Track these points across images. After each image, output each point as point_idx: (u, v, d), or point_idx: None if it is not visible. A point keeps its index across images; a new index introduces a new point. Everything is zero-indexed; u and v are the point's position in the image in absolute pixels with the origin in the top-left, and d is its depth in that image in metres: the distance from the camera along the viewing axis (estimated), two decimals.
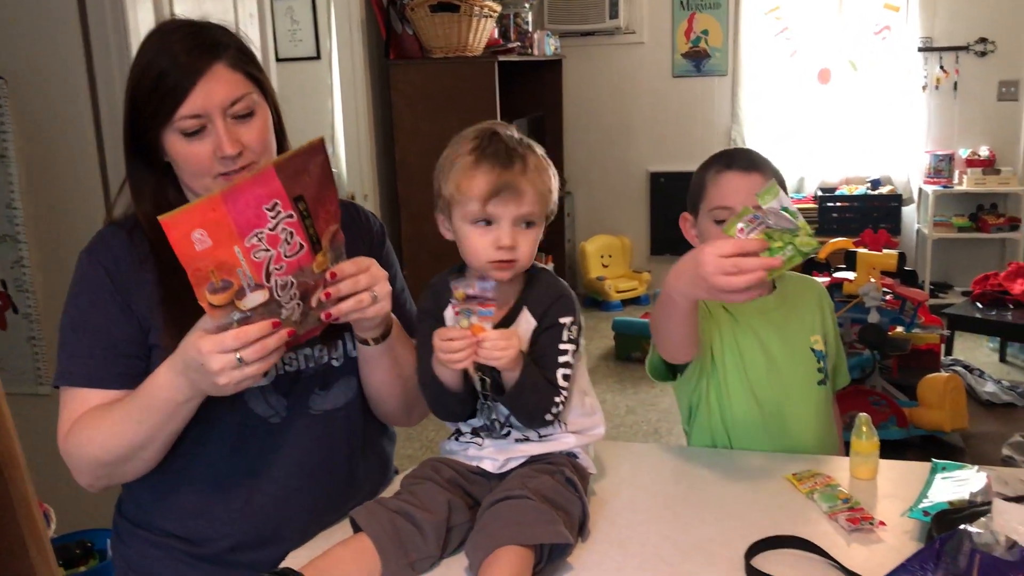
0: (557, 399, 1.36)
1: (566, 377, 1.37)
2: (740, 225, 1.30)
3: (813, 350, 1.74)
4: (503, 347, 1.27)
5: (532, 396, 1.33)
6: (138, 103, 1.32)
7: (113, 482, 1.39)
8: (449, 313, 1.35)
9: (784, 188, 1.67)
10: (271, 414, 1.41)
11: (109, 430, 1.30)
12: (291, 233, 1.17)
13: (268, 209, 1.14)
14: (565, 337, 1.37)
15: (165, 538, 1.42)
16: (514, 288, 1.39)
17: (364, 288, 1.26)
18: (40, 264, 2.79)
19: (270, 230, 1.14)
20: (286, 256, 1.17)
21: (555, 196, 1.38)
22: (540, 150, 1.38)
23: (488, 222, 1.33)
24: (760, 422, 1.70)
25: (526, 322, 1.37)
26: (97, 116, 2.76)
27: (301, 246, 1.18)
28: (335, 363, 1.46)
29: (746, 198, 1.59)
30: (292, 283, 1.18)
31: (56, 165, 2.74)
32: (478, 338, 1.26)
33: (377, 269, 1.30)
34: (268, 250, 1.15)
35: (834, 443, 1.78)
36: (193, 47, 1.29)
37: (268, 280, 1.15)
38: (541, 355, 1.36)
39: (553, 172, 1.38)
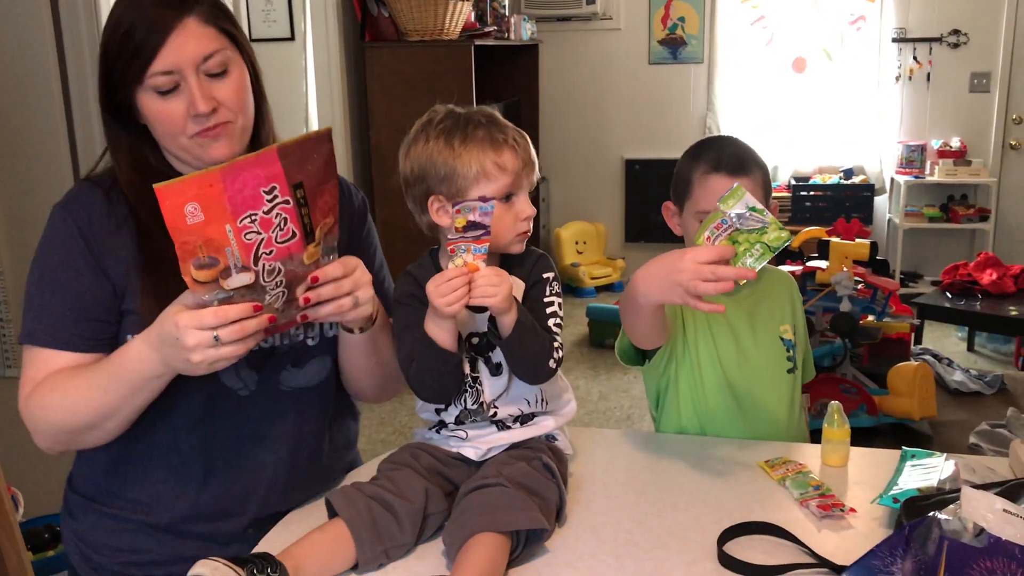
0: (556, 344, 1.38)
1: (558, 326, 1.41)
2: (707, 234, 1.35)
3: (783, 339, 1.76)
4: (496, 283, 1.27)
5: (533, 340, 1.34)
6: (110, 61, 1.28)
7: (72, 448, 1.36)
8: (443, 260, 1.37)
9: (768, 181, 1.69)
10: (240, 387, 1.39)
11: (75, 396, 1.28)
12: (285, 219, 1.16)
13: (265, 192, 1.13)
14: (548, 292, 1.42)
15: (119, 509, 1.40)
16: (493, 257, 1.40)
17: (347, 292, 1.25)
18: (6, 241, 2.75)
19: (264, 213, 1.13)
20: (277, 242, 1.15)
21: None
22: (501, 119, 1.43)
23: (508, 197, 1.37)
24: (729, 408, 1.71)
25: (515, 285, 1.39)
26: (65, 76, 2.71)
27: (294, 233, 1.17)
28: (310, 342, 1.44)
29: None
30: (279, 269, 1.17)
31: (24, 133, 2.68)
32: (471, 276, 1.27)
33: (362, 272, 1.28)
34: (259, 233, 1.13)
35: (802, 432, 1.80)
36: (165, 2, 1.26)
37: (256, 263, 1.14)
38: (531, 309, 1.39)
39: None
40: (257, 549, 1.27)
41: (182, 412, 1.37)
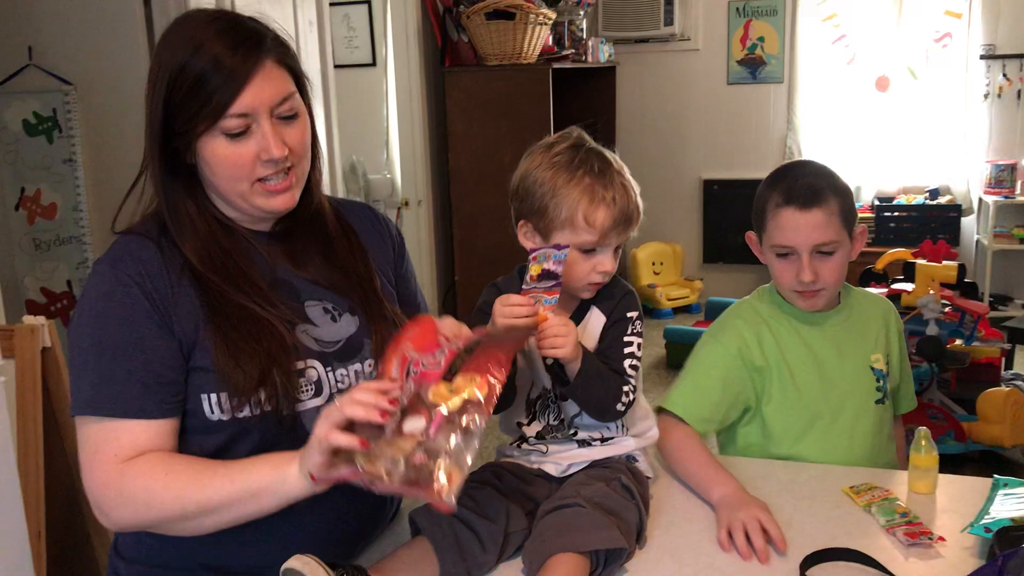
0: (626, 388, 1.37)
1: (633, 367, 1.40)
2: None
3: (873, 368, 1.72)
4: (564, 333, 1.28)
5: (598, 385, 1.34)
6: (173, 108, 1.21)
7: (152, 530, 1.24)
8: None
9: (850, 206, 1.64)
10: None
11: (200, 483, 1.18)
12: (443, 352, 1.17)
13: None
14: (631, 331, 1.41)
15: (176, 558, 1.31)
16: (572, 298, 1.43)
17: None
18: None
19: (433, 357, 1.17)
20: (423, 365, 1.16)
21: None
22: (618, 166, 1.42)
23: (594, 249, 1.37)
24: (813, 437, 1.69)
25: (596, 319, 1.41)
26: None
27: (439, 365, 1.16)
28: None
29: (808, 236, 1.60)
30: (410, 391, 1.15)
31: (120, 169, 2.81)
32: (540, 322, 1.27)
33: None
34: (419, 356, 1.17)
35: (892, 465, 1.76)
36: (238, 43, 1.20)
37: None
38: (608, 347, 1.40)
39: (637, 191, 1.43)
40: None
41: None
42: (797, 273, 1.64)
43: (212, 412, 1.22)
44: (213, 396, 1.22)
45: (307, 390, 1.27)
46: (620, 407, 1.37)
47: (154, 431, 1.21)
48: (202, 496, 1.18)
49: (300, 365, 1.26)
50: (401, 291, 1.47)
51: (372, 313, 1.36)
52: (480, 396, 1.09)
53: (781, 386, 1.70)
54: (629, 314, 1.42)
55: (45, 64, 2.98)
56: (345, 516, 1.34)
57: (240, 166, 1.23)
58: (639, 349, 1.42)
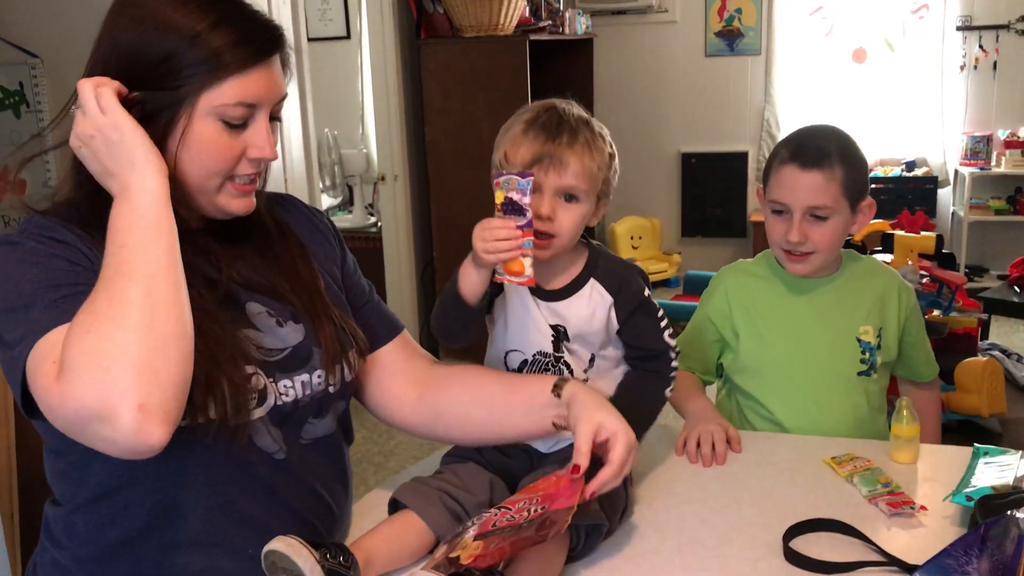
0: (672, 365, 1.43)
1: (672, 336, 1.42)
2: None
3: (859, 340, 1.71)
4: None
5: (650, 415, 1.42)
6: (163, 63, 1.09)
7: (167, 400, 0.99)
8: None
9: (858, 178, 1.65)
10: (275, 449, 1.21)
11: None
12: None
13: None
14: (655, 308, 1.41)
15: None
16: (579, 260, 1.40)
17: None
18: None
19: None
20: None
21: (605, 176, 1.36)
22: (598, 128, 1.37)
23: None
24: (792, 407, 1.69)
25: (599, 295, 1.38)
26: None
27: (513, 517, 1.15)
28: (332, 389, 1.27)
29: (803, 196, 1.59)
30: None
31: None
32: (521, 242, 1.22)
33: None
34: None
35: (882, 438, 1.75)
36: (263, 25, 1.14)
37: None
38: (643, 332, 1.40)
39: (609, 153, 1.37)
40: None
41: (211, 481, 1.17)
42: (786, 231, 1.63)
43: None
44: None
45: (252, 398, 1.16)
46: (669, 392, 1.44)
47: None
48: (136, 289, 0.99)
49: (250, 370, 1.16)
50: (349, 288, 1.41)
51: (318, 320, 1.26)
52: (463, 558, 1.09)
53: (750, 353, 1.73)
54: (647, 292, 1.41)
55: (10, 37, 2.90)
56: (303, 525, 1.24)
57: (227, 159, 1.14)
58: (663, 315, 1.42)
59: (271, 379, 1.19)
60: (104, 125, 1.06)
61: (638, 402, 1.40)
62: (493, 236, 1.22)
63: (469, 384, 1.39)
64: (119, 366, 0.95)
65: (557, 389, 1.28)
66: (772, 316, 1.72)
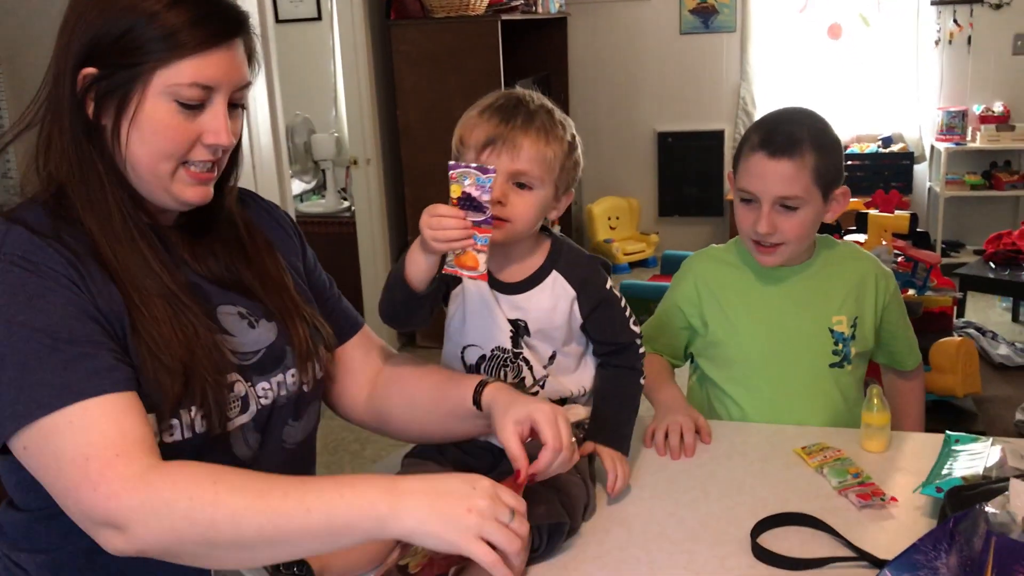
0: (640, 353, 1.43)
1: (636, 323, 1.43)
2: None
3: (832, 330, 1.67)
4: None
5: (631, 412, 1.43)
6: (120, 39, 1.06)
7: (177, 556, 1.00)
8: None
9: (831, 165, 1.59)
10: (248, 456, 1.19)
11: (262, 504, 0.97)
12: None
13: None
14: (618, 300, 1.41)
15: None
16: (540, 251, 1.37)
17: None
18: None
19: None
20: None
21: (563, 164, 1.31)
22: (559, 116, 1.32)
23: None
24: (762, 397, 1.67)
25: (562, 288, 1.35)
26: None
27: None
28: (306, 388, 1.26)
29: (772, 186, 1.55)
30: None
31: None
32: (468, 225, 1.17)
33: None
34: None
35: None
36: (223, 9, 1.11)
37: None
38: (608, 324, 1.39)
39: (568, 143, 1.32)
40: None
41: None
42: (755, 222, 1.59)
43: None
44: None
45: (235, 406, 1.15)
46: (643, 380, 1.44)
47: (139, 410, 1.02)
48: (266, 521, 0.96)
49: (232, 378, 1.15)
50: (312, 283, 1.38)
51: (289, 318, 1.24)
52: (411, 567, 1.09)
53: (718, 342, 1.70)
54: (608, 286, 1.39)
55: None
56: None
57: (179, 142, 1.10)
58: (626, 304, 1.42)
59: (250, 383, 1.18)
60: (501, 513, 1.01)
61: (621, 408, 1.42)
62: (440, 224, 1.17)
63: (406, 390, 1.36)
64: (190, 541, 0.97)
65: (477, 396, 1.26)
66: (741, 305, 1.69)
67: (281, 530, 0.96)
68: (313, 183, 5.45)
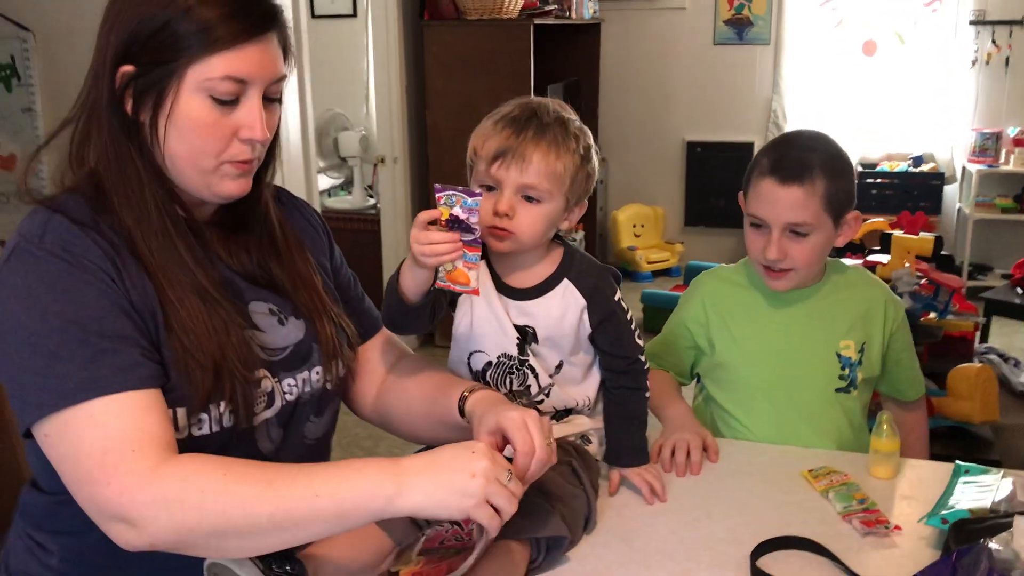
0: (645, 370, 1.42)
1: (639, 337, 1.42)
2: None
3: (839, 355, 1.66)
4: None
5: (641, 433, 1.43)
6: (155, 36, 1.06)
7: (190, 548, 1.02)
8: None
9: (843, 191, 1.58)
10: (271, 450, 1.21)
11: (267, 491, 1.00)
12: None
13: None
14: (624, 313, 1.40)
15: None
16: (552, 259, 1.37)
17: None
18: None
19: None
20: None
21: (574, 177, 1.31)
22: (574, 128, 1.32)
23: (492, 187, 1.30)
24: (768, 420, 1.65)
25: (572, 297, 1.35)
26: None
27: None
28: (329, 385, 1.29)
29: (782, 212, 1.54)
30: None
31: None
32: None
33: None
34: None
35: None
36: (256, 1, 1.11)
37: None
38: (617, 336, 1.38)
39: (581, 155, 1.32)
40: None
41: None
42: (765, 247, 1.59)
43: None
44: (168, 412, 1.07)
45: (261, 401, 1.18)
46: (648, 395, 1.43)
47: (161, 408, 1.04)
48: (275, 508, 0.99)
49: (259, 374, 1.17)
50: (337, 282, 1.39)
51: (317, 317, 1.27)
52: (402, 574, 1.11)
53: (725, 364, 1.69)
54: (617, 297, 1.38)
55: (1, 9, 2.87)
56: None
57: (217, 138, 1.10)
58: (631, 317, 1.42)
59: (276, 379, 1.20)
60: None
61: (634, 429, 1.42)
62: (428, 239, 1.17)
63: (404, 396, 1.38)
64: (202, 532, 0.99)
65: (462, 405, 1.26)
66: (748, 326, 1.68)
67: (291, 515, 0.99)
68: (341, 179, 5.48)
